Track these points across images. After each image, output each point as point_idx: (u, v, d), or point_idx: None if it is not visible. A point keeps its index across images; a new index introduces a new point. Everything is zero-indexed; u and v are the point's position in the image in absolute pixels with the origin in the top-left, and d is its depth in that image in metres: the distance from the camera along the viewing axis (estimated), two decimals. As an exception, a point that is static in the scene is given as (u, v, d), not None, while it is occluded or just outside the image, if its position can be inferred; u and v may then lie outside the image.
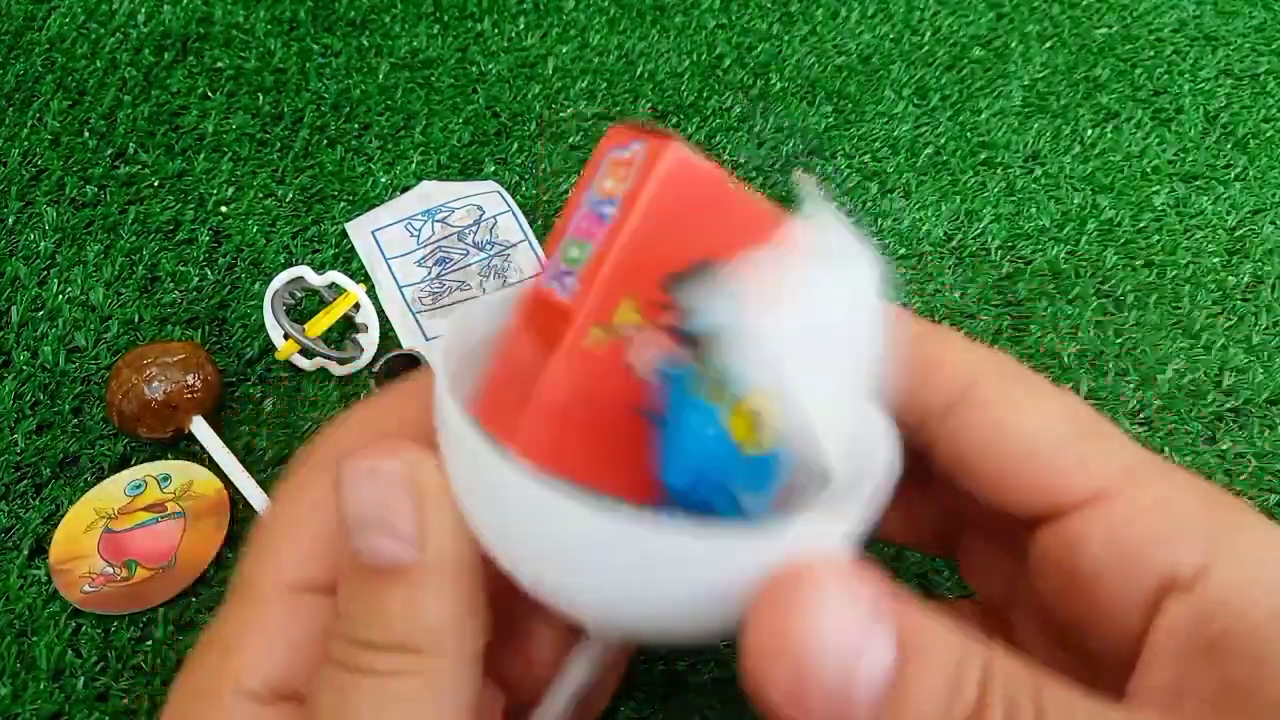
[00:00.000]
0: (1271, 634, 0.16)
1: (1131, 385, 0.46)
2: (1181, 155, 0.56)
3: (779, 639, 0.15)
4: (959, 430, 0.20)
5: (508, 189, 0.55)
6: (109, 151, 0.58)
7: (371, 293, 0.50)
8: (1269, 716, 0.16)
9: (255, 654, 0.21)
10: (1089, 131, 0.57)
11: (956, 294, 0.49)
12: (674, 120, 0.59)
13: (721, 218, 0.17)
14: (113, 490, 0.43)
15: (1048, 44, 0.63)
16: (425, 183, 0.56)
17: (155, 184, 0.56)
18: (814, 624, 0.15)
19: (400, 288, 0.51)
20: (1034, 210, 0.53)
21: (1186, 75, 0.61)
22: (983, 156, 0.56)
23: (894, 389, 0.19)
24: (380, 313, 0.50)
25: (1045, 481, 0.19)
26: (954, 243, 0.52)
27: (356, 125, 0.59)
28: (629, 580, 0.15)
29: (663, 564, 0.14)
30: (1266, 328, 0.48)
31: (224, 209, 0.55)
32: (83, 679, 0.38)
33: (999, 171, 0.55)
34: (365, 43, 0.64)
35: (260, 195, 0.55)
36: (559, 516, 0.15)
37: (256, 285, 0.51)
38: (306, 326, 0.46)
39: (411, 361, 0.43)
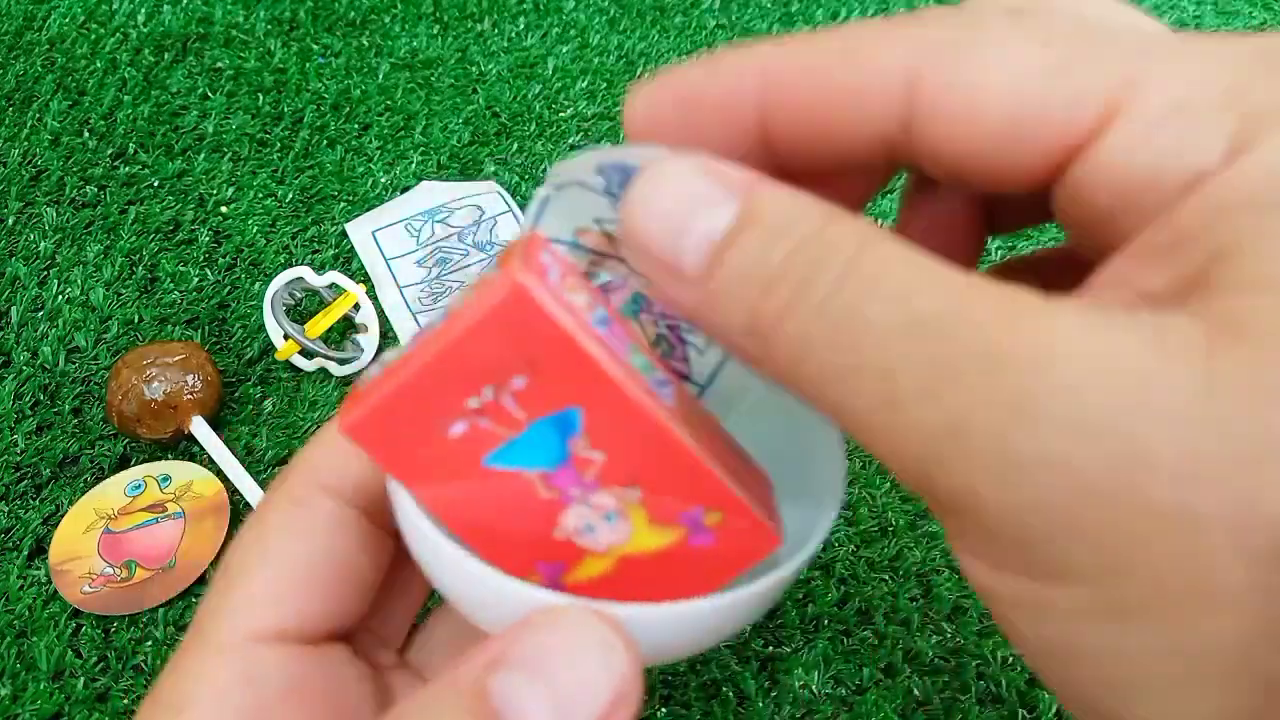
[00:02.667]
0: (1248, 220, 0.13)
1: (1132, 386, 0.46)
2: (1182, 155, 0.56)
3: (638, 196, 0.17)
4: (925, 133, 0.16)
5: (508, 189, 0.55)
6: (109, 151, 0.58)
7: (371, 293, 0.50)
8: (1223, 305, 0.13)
9: None
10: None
11: (957, 294, 0.50)
12: (674, 120, 0.59)
13: (546, 369, 0.16)
14: (112, 491, 0.43)
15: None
16: (425, 183, 0.56)
17: (155, 184, 0.56)
18: (665, 183, 0.16)
19: (400, 288, 0.51)
20: (1034, 210, 0.53)
21: (1187, 75, 0.61)
22: None
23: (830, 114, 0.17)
24: (380, 313, 0.50)
25: (1035, 143, 0.15)
26: (954, 243, 0.52)
27: (356, 125, 0.59)
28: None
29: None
30: (1267, 328, 0.48)
31: (224, 209, 0.55)
32: (82, 679, 0.38)
33: (999, 172, 0.55)
34: (365, 43, 0.64)
35: (260, 195, 0.55)
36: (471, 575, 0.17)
37: (256, 285, 0.51)
38: (306, 327, 0.46)
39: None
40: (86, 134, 0.59)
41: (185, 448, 0.45)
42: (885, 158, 0.18)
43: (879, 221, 0.19)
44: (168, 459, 0.44)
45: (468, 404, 0.17)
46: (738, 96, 0.18)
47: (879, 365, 0.14)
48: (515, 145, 0.58)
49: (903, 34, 0.16)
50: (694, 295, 0.16)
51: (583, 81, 0.61)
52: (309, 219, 0.54)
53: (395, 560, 0.22)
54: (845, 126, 0.17)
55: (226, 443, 0.44)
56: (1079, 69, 0.15)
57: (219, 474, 0.43)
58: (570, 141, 0.58)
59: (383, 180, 0.56)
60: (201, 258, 0.52)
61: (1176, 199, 0.14)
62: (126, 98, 0.61)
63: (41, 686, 0.37)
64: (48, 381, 0.47)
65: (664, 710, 0.36)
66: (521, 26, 0.65)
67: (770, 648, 0.38)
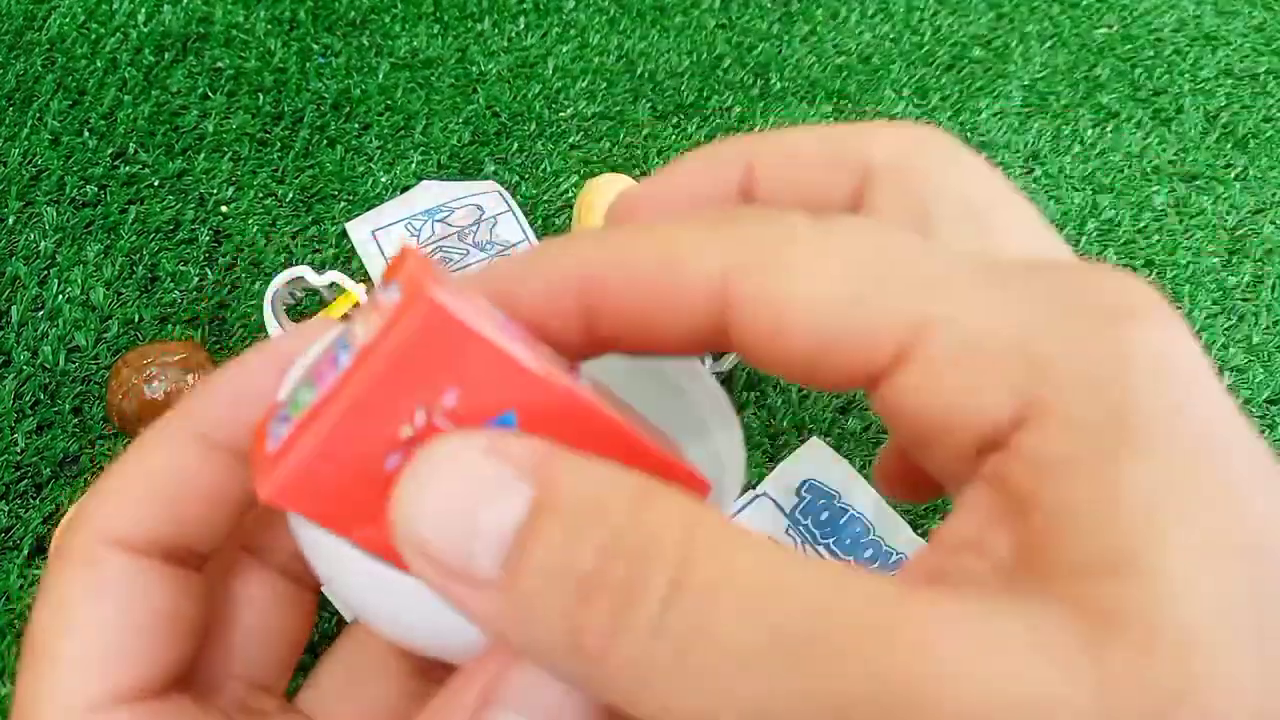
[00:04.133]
0: (1074, 484, 0.13)
1: (1131, 385, 0.46)
2: (1181, 155, 0.56)
3: (410, 493, 0.15)
4: (738, 335, 0.16)
5: (508, 189, 0.55)
6: (109, 151, 0.58)
7: (371, 293, 0.50)
8: (1054, 578, 0.13)
9: None
10: (1089, 131, 0.57)
11: (956, 294, 0.50)
12: (674, 120, 0.59)
13: (474, 380, 0.16)
14: (113, 490, 0.43)
15: (1048, 44, 0.63)
16: (425, 183, 0.56)
17: (155, 184, 0.56)
18: (440, 473, 0.15)
19: (400, 287, 0.51)
20: (1034, 210, 0.53)
21: (1186, 75, 0.61)
22: (983, 157, 0.56)
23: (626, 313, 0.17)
24: (380, 312, 0.50)
25: (837, 364, 0.16)
26: (954, 242, 0.52)
27: (356, 125, 0.59)
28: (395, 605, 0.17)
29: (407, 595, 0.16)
30: (1266, 328, 0.48)
31: (224, 209, 0.55)
32: (83, 679, 0.38)
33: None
34: (365, 43, 0.64)
35: (260, 195, 0.55)
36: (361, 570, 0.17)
37: (256, 285, 0.51)
38: (306, 326, 0.46)
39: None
40: (86, 134, 0.59)
41: (185, 447, 0.45)
42: (709, 347, 0.17)
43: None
44: (168, 458, 0.44)
45: (401, 433, 0.16)
46: (558, 299, 0.18)
47: (754, 694, 0.12)
48: (515, 145, 0.58)
49: (718, 242, 0.16)
50: (497, 606, 0.14)
51: (583, 81, 0.61)
52: (309, 218, 0.54)
53: (259, 606, 0.21)
54: (665, 325, 0.17)
55: (227, 442, 0.44)
56: (873, 304, 0.15)
57: (219, 473, 0.43)
58: (570, 141, 0.58)
59: (383, 180, 0.56)
60: (202, 257, 0.52)
61: (970, 448, 0.15)
62: (127, 97, 0.61)
63: (42, 686, 0.37)
64: (48, 381, 0.47)
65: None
66: (521, 26, 0.65)
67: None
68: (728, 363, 0.45)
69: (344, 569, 0.17)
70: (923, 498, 0.23)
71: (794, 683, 0.12)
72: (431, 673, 0.21)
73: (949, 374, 0.15)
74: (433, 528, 0.14)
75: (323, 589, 0.19)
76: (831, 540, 0.40)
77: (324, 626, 0.39)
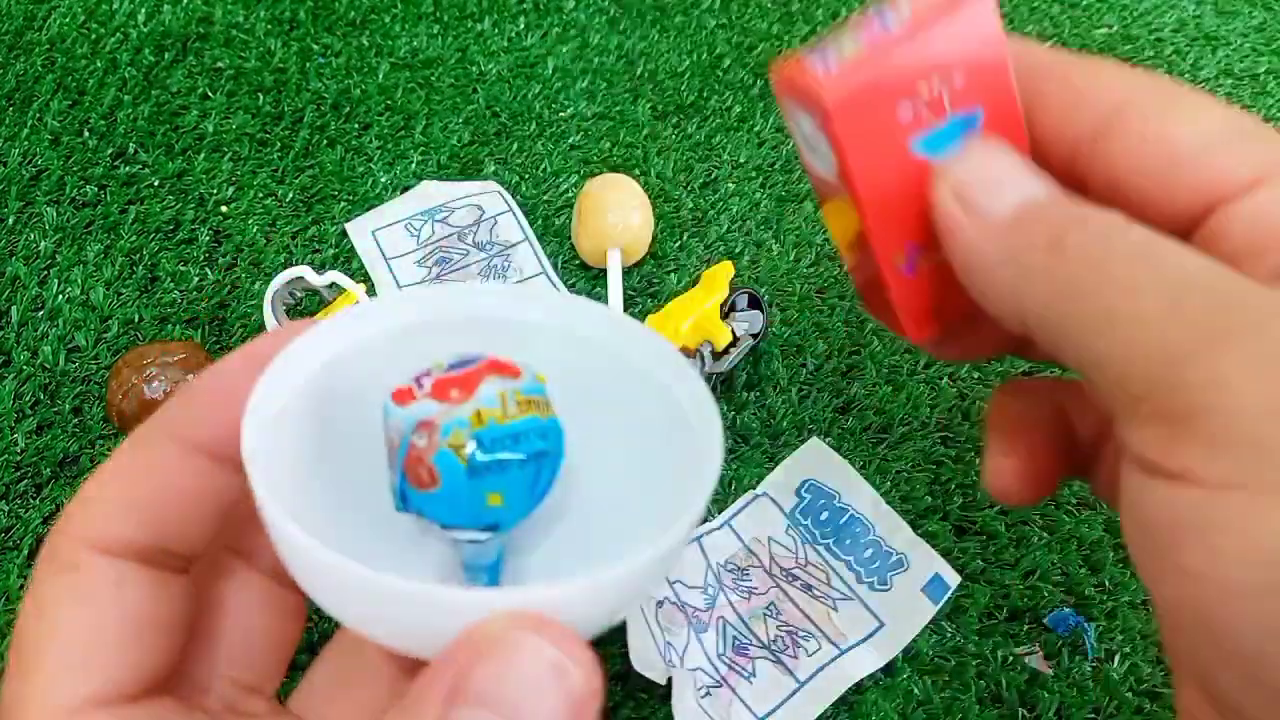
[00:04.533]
0: None
1: (1131, 385, 0.46)
2: (1181, 155, 0.56)
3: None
4: (1112, 150, 0.21)
5: (508, 189, 0.55)
6: (109, 151, 0.58)
7: (371, 293, 0.50)
8: None
9: None
10: (1089, 131, 0.57)
11: (956, 294, 0.49)
12: (674, 120, 0.59)
13: (977, 75, 0.21)
14: (113, 490, 0.43)
15: (1048, 44, 0.63)
16: (425, 183, 0.56)
17: (155, 184, 0.56)
18: (988, 153, 0.20)
19: (400, 288, 0.51)
20: (1034, 210, 0.53)
21: (1186, 75, 0.61)
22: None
23: (1039, 122, 0.22)
24: (380, 313, 0.50)
25: (1202, 179, 0.20)
26: (954, 243, 0.52)
27: (356, 125, 0.59)
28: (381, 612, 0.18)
29: (393, 604, 0.17)
30: (1266, 328, 0.48)
31: (224, 209, 0.55)
32: (83, 679, 0.38)
33: (999, 171, 0.55)
34: (365, 43, 0.64)
35: (260, 195, 0.55)
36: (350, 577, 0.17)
37: (256, 285, 0.51)
38: (306, 326, 0.46)
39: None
40: (86, 134, 0.59)
41: (185, 447, 0.45)
42: (1070, 164, 0.22)
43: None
44: (168, 458, 0.44)
45: (919, 89, 0.20)
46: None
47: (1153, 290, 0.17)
48: (515, 145, 0.58)
49: (1118, 70, 0.22)
50: (991, 235, 0.20)
51: (583, 81, 0.61)
52: (309, 219, 0.54)
53: (246, 609, 0.21)
54: (1060, 117, 0.22)
55: (227, 442, 0.44)
56: (1245, 142, 0.20)
57: (219, 473, 0.43)
58: (570, 141, 0.58)
59: (383, 180, 0.56)
60: (202, 257, 0.52)
61: None
62: (126, 97, 0.61)
63: (42, 686, 0.37)
64: (48, 381, 0.47)
65: (664, 708, 0.36)
66: (521, 26, 0.65)
67: (770, 647, 0.38)
68: (727, 363, 0.45)
69: (314, 569, 0.17)
70: (1036, 496, 0.25)
71: (1196, 303, 0.17)
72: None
73: None
74: (976, 182, 0.20)
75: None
76: (831, 540, 0.40)
77: (324, 626, 0.39)
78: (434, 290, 0.22)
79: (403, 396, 0.20)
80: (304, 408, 0.21)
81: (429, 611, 0.17)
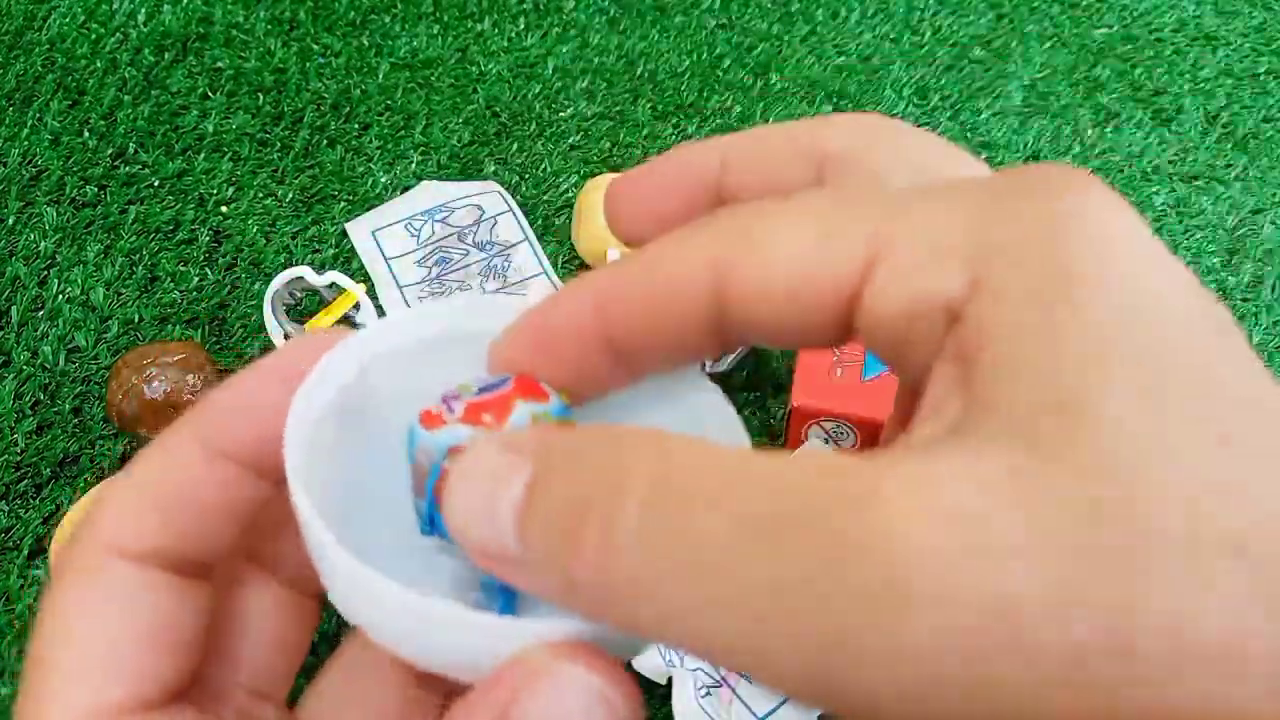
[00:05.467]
0: (1016, 340, 0.14)
1: (1131, 385, 0.46)
2: (1181, 155, 0.56)
3: (451, 502, 0.17)
4: (732, 309, 0.18)
5: (508, 189, 0.55)
6: (109, 151, 0.58)
7: (371, 292, 0.50)
8: (997, 423, 0.14)
9: None
10: (1089, 131, 0.57)
11: (956, 294, 0.50)
12: (674, 120, 0.59)
13: None
14: (113, 490, 0.43)
15: (1048, 44, 0.63)
16: (425, 183, 0.56)
17: (155, 184, 0.56)
18: (467, 478, 0.17)
19: (400, 288, 0.51)
20: (1034, 210, 0.53)
21: (1186, 75, 0.61)
22: (983, 156, 0.56)
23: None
24: (380, 312, 0.50)
25: (818, 301, 0.17)
26: (954, 243, 0.52)
27: (356, 125, 0.59)
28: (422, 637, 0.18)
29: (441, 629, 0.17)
30: (1266, 328, 0.48)
31: (224, 209, 0.55)
32: (83, 679, 0.38)
33: (999, 171, 0.55)
34: (365, 43, 0.64)
35: (260, 195, 0.55)
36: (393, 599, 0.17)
37: (256, 285, 0.51)
38: (307, 326, 0.46)
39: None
40: (86, 134, 0.59)
41: (185, 447, 0.45)
42: (718, 337, 0.19)
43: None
44: (168, 458, 0.44)
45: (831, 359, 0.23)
46: (581, 329, 0.19)
47: (730, 580, 0.13)
48: (515, 145, 0.58)
49: (698, 243, 0.18)
50: (524, 575, 0.16)
51: (583, 81, 0.61)
52: (309, 219, 0.54)
53: (263, 615, 0.21)
54: (676, 333, 0.19)
55: (227, 442, 0.44)
56: (841, 232, 0.17)
57: (219, 473, 0.43)
58: (570, 141, 0.58)
59: (383, 180, 0.56)
60: (201, 257, 0.52)
61: (939, 331, 0.16)
62: (126, 98, 0.61)
63: (42, 686, 0.38)
64: (48, 381, 0.47)
65: (664, 708, 0.36)
66: (521, 26, 0.65)
67: (770, 647, 0.38)
68: (726, 363, 0.45)
69: (355, 589, 0.18)
70: None
71: (766, 565, 0.13)
72: (433, 682, 0.21)
73: (911, 273, 0.16)
74: (472, 527, 0.16)
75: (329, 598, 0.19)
76: None
77: (323, 627, 0.39)
78: (453, 302, 0.22)
79: (432, 421, 0.19)
80: (334, 423, 0.21)
81: (472, 638, 0.17)
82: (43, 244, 0.53)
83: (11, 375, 0.48)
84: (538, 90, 0.61)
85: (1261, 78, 0.61)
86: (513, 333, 0.20)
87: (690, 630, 0.14)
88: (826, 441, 0.42)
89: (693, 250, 0.18)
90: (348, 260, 0.52)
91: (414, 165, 0.57)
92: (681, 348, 0.19)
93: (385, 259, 0.52)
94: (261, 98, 0.61)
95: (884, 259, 0.16)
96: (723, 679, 0.37)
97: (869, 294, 0.17)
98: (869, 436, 0.41)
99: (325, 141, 0.58)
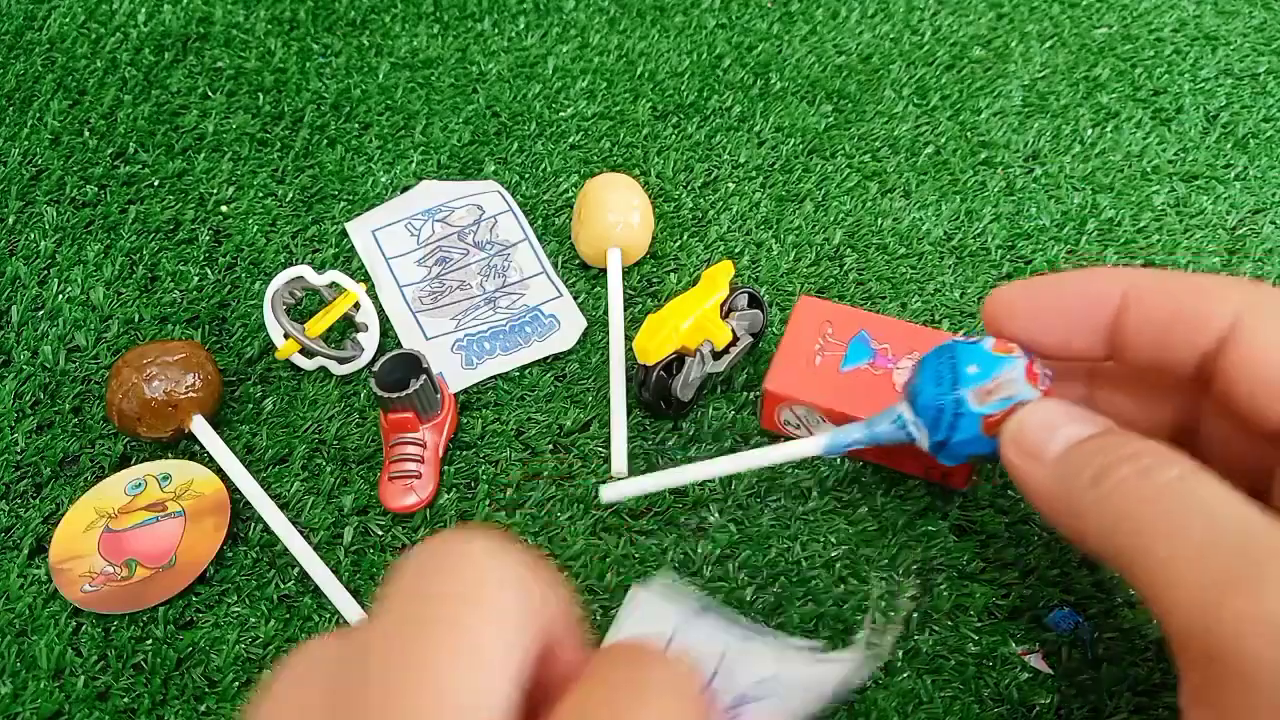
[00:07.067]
0: None
1: (1131, 385, 0.46)
2: (1181, 155, 0.56)
3: (1025, 412, 0.28)
4: (1227, 369, 0.24)
5: (508, 189, 0.55)
6: (109, 151, 0.58)
7: (371, 292, 0.50)
8: None
9: None
10: (1089, 131, 0.57)
11: (956, 293, 0.49)
12: (674, 120, 0.59)
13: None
14: (113, 489, 0.43)
15: (1048, 44, 0.63)
16: (425, 182, 0.56)
17: (155, 184, 0.56)
18: (1041, 409, 0.28)
19: (400, 287, 0.51)
20: (1034, 210, 0.53)
21: (1186, 75, 0.61)
22: (983, 156, 0.56)
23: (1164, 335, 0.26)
24: (380, 312, 0.50)
25: None
26: (954, 242, 0.52)
27: (356, 125, 0.59)
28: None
29: None
30: (1266, 327, 0.48)
31: (224, 209, 0.55)
32: (83, 678, 0.38)
33: (999, 171, 0.55)
34: (365, 43, 0.64)
35: (260, 195, 0.55)
36: None
37: (256, 285, 0.51)
38: (307, 326, 0.46)
39: (412, 361, 0.43)
40: (86, 133, 0.59)
41: (186, 447, 0.45)
42: (1195, 377, 0.26)
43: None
44: (168, 458, 0.44)
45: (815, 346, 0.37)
46: (1099, 303, 0.27)
47: (1195, 543, 0.20)
48: (515, 145, 0.58)
49: (1238, 292, 0.25)
50: (1046, 474, 0.25)
51: (583, 81, 0.61)
52: (309, 218, 0.54)
53: None
54: (1176, 343, 0.25)
55: (227, 442, 0.44)
56: None
57: (219, 473, 0.43)
58: (570, 141, 0.58)
59: (383, 180, 0.56)
60: (202, 257, 0.52)
61: None
62: (126, 97, 0.61)
63: (42, 685, 0.38)
64: (48, 381, 0.47)
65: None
66: (521, 26, 0.65)
67: (770, 646, 0.38)
68: (727, 363, 0.45)
69: None
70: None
71: (1230, 547, 0.21)
72: None
73: None
74: (1030, 427, 0.27)
75: None
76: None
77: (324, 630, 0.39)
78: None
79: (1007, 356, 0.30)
80: None
81: None
82: (43, 244, 0.53)
83: (11, 375, 0.48)
84: (538, 90, 0.61)
85: (1261, 78, 0.61)
86: (1018, 294, 0.29)
87: (1145, 553, 0.22)
88: (797, 426, 0.42)
89: (1230, 296, 0.25)
90: (348, 260, 0.52)
91: (414, 165, 0.57)
92: (1166, 357, 0.26)
93: (385, 259, 0.52)
94: (261, 98, 0.61)
95: None
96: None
97: None
98: (840, 425, 0.40)
99: (325, 141, 0.58)
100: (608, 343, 0.47)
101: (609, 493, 0.37)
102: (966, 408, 0.30)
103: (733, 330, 0.45)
